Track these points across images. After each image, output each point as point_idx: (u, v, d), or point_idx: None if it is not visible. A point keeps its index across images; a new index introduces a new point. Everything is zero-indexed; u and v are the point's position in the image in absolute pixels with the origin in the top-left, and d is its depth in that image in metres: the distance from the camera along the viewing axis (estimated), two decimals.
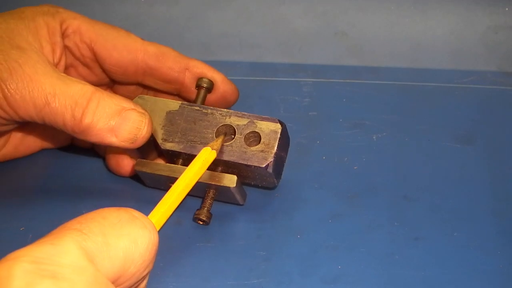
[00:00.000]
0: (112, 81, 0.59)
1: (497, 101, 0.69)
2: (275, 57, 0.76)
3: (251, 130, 0.51)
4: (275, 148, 0.50)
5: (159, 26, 0.76)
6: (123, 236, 0.33)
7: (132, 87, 0.60)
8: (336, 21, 0.76)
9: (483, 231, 0.51)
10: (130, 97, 0.59)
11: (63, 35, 0.54)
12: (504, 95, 0.70)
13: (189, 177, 0.47)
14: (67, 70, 0.56)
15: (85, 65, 0.56)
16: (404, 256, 0.49)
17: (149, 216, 0.43)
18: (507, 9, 0.74)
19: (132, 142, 0.50)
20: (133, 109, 0.50)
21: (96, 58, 0.55)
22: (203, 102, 0.55)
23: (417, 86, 0.71)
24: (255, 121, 0.51)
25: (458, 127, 0.64)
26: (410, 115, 0.66)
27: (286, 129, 0.52)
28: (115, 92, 0.60)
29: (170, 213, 0.45)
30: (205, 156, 0.49)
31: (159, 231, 0.43)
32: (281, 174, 0.53)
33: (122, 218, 0.34)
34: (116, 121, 0.49)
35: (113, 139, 0.49)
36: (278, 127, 0.51)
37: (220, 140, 0.50)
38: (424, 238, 0.51)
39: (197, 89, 0.56)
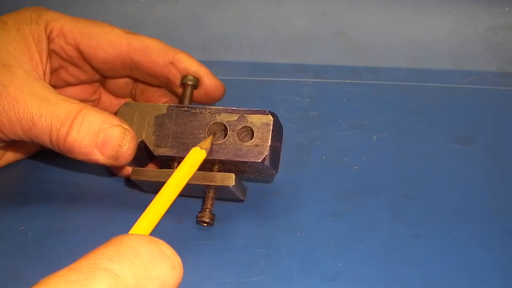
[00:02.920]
0: (103, 77, 0.59)
1: (497, 102, 0.69)
2: (275, 57, 0.76)
3: (242, 125, 0.50)
4: (269, 140, 0.49)
5: (159, 26, 0.76)
6: (153, 279, 0.32)
7: (123, 81, 0.60)
8: (336, 21, 0.76)
9: (483, 229, 0.51)
10: (122, 92, 0.60)
11: (48, 39, 0.53)
12: (504, 95, 0.70)
13: (179, 177, 0.47)
14: (56, 72, 0.56)
15: (74, 65, 0.56)
16: (404, 253, 0.49)
17: (140, 218, 0.43)
18: (507, 9, 0.74)
19: (115, 160, 0.50)
20: (117, 125, 0.49)
21: (83, 57, 0.55)
22: (190, 100, 0.55)
23: (417, 87, 0.71)
24: (245, 115, 0.51)
25: (458, 128, 0.64)
26: (410, 115, 0.66)
27: (278, 119, 0.51)
28: (107, 86, 0.60)
29: (162, 214, 0.44)
30: (195, 156, 0.49)
31: (156, 231, 0.43)
32: (278, 164, 0.52)
33: (153, 256, 0.32)
34: (100, 138, 0.49)
35: (98, 156, 0.49)
36: (269, 119, 0.50)
37: (209, 139, 0.50)
38: (424, 236, 0.50)
39: (183, 87, 0.55)
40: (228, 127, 0.50)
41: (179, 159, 0.51)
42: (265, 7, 0.76)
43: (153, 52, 0.55)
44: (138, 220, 0.42)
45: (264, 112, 0.50)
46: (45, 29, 0.53)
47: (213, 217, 0.50)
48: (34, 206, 0.54)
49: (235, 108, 0.51)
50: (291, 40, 0.76)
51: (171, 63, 0.55)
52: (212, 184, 0.50)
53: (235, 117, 0.51)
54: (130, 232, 0.41)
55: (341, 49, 0.75)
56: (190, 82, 0.55)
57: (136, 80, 0.59)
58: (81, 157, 0.49)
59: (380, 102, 0.69)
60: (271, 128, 0.50)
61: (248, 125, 0.50)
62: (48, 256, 0.49)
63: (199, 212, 0.51)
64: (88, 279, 0.29)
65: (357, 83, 0.72)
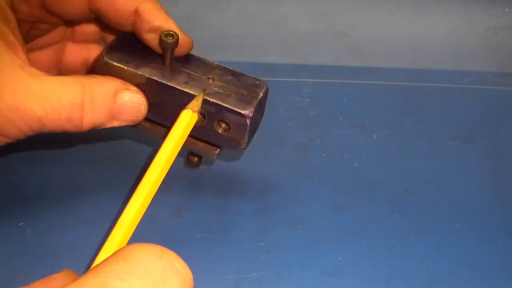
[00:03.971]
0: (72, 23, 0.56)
1: (497, 102, 0.69)
2: (275, 57, 0.76)
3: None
4: (258, 100, 0.49)
5: None
6: None
7: (91, 29, 0.57)
8: (336, 21, 0.76)
9: (484, 223, 0.51)
10: (91, 39, 0.58)
11: (13, 11, 0.50)
12: (504, 95, 0.70)
13: (172, 146, 0.44)
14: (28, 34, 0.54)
15: (42, 22, 0.54)
16: (405, 248, 0.49)
17: (138, 187, 0.41)
18: (507, 9, 0.74)
19: (134, 122, 0.49)
20: (126, 89, 0.48)
21: (49, 13, 0.52)
22: (171, 61, 0.51)
23: (417, 87, 0.71)
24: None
25: (458, 128, 0.64)
26: (410, 115, 0.66)
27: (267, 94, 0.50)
28: (76, 36, 0.58)
29: (159, 183, 0.42)
30: (186, 120, 0.46)
31: (156, 225, 0.42)
32: (251, 138, 0.50)
33: (165, 272, 0.31)
34: (116, 108, 0.48)
35: (114, 123, 0.48)
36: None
37: (200, 99, 0.48)
38: (425, 230, 0.51)
39: (162, 48, 0.51)
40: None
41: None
42: (265, 7, 0.76)
43: (118, 1, 0.52)
44: (134, 195, 0.41)
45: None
46: (6, 1, 0.49)
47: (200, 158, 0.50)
48: (33, 203, 0.54)
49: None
50: (291, 40, 0.76)
51: (136, 13, 0.52)
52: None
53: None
54: (126, 208, 0.40)
55: (341, 49, 0.75)
56: (170, 44, 0.50)
57: (105, 26, 0.57)
58: (99, 128, 0.48)
59: (380, 102, 0.68)
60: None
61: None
62: (47, 252, 0.49)
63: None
64: None
65: (357, 83, 0.72)
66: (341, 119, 0.65)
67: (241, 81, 0.49)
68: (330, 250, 0.49)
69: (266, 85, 0.50)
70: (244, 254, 0.48)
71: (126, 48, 0.51)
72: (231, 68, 0.50)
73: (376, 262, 0.48)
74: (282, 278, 0.46)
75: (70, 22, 0.56)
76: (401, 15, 0.75)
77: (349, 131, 0.63)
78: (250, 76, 0.50)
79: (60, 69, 0.57)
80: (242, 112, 0.47)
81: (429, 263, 0.48)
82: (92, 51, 0.57)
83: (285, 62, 0.75)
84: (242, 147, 0.50)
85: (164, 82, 0.48)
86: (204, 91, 0.48)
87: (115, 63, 0.49)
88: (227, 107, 0.48)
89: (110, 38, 0.58)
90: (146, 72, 0.49)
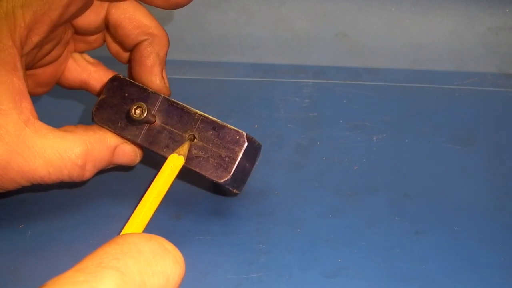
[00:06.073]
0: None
1: (497, 103, 0.69)
2: (276, 58, 0.76)
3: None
4: (237, 162, 0.50)
5: None
6: (158, 274, 0.32)
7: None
8: (336, 22, 0.76)
9: (484, 226, 0.51)
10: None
11: (21, 54, 0.49)
12: (504, 96, 0.70)
13: (159, 186, 0.47)
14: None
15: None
16: (405, 249, 0.49)
17: (124, 228, 0.44)
18: (507, 10, 0.74)
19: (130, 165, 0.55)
20: (123, 143, 0.53)
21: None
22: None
23: (417, 88, 0.71)
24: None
25: (458, 129, 0.64)
26: (410, 116, 0.66)
27: (255, 144, 0.51)
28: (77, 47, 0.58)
29: (145, 223, 0.45)
30: (173, 163, 0.49)
31: (155, 227, 0.43)
32: (242, 185, 0.52)
33: (156, 252, 0.32)
34: (113, 160, 0.53)
35: (110, 166, 0.53)
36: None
37: (186, 145, 0.50)
38: (425, 232, 0.50)
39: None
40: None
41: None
42: (265, 8, 0.76)
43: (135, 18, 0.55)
44: (121, 233, 0.43)
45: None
46: (16, 47, 0.48)
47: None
48: (33, 204, 0.54)
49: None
50: (291, 41, 0.76)
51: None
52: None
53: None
54: None
55: (341, 50, 0.75)
56: (138, 121, 0.52)
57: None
58: None
59: (380, 103, 0.69)
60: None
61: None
62: (47, 254, 0.49)
63: None
64: (96, 280, 0.29)
65: (357, 84, 0.72)
66: (341, 121, 0.65)
67: (221, 136, 0.50)
68: (330, 251, 0.49)
69: (246, 139, 0.50)
70: (244, 256, 0.48)
71: (114, 101, 0.53)
72: (213, 119, 0.51)
73: (376, 264, 0.48)
74: (281, 279, 0.46)
75: (79, 33, 0.57)
76: (401, 16, 0.75)
77: (349, 133, 0.63)
78: (232, 128, 0.50)
79: (58, 83, 0.59)
80: (220, 181, 0.50)
81: (429, 265, 0.47)
82: (90, 74, 0.58)
83: (285, 63, 0.75)
84: (235, 193, 0.52)
85: (146, 146, 0.52)
86: (191, 139, 0.51)
87: (104, 126, 0.53)
88: (205, 176, 0.50)
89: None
90: (130, 135, 0.52)
